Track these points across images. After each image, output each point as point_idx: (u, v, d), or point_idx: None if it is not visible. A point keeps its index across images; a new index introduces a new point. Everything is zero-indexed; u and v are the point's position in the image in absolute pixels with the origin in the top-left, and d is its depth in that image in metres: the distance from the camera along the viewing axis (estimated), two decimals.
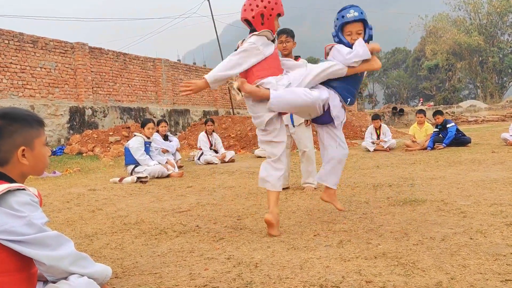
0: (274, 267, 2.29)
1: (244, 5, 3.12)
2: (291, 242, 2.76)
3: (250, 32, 3.14)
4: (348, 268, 2.21)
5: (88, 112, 13.85)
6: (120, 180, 6.55)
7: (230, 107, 21.35)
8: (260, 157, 9.78)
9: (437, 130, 9.31)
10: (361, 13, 3.19)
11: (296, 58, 4.95)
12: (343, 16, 3.21)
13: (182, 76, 18.75)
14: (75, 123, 13.36)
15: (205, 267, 2.36)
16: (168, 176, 7.00)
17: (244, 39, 3.16)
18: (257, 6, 3.05)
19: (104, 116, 14.44)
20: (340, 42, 3.24)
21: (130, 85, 15.85)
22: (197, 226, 3.38)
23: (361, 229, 2.99)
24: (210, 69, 17.03)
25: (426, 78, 45.89)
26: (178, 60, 34.55)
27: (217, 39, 21.92)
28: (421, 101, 39.17)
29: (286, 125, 5.00)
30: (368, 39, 3.23)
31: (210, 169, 7.92)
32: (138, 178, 6.58)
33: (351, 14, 3.18)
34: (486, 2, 37.25)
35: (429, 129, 9.56)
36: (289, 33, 4.81)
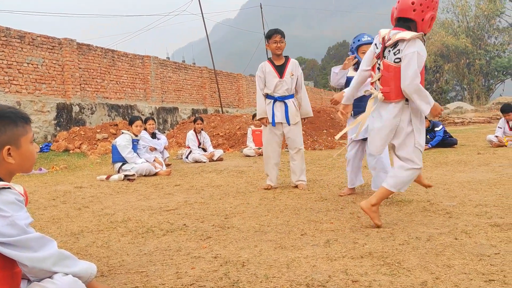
0: (261, 266, 2.29)
1: (412, 3, 2.85)
2: (278, 241, 2.77)
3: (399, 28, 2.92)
4: (335, 268, 2.22)
5: (76, 108, 13.72)
6: (107, 178, 6.50)
7: (219, 105, 21.31)
8: (249, 156, 9.78)
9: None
10: (373, 38, 3.66)
11: (287, 58, 5.04)
12: (359, 40, 4.18)
13: (171, 73, 18.66)
14: (62, 120, 13.22)
15: (191, 266, 2.35)
16: (155, 174, 6.96)
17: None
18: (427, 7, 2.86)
19: (92, 113, 14.31)
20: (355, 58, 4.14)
21: (118, 82, 15.73)
22: (185, 224, 3.37)
23: (348, 229, 3.00)
24: (199, 67, 16.96)
25: None
26: (167, 57, 34.41)
27: (207, 37, 21.87)
28: None
29: (280, 123, 5.03)
30: None
31: (198, 167, 7.90)
32: (125, 176, 6.54)
33: (365, 38, 4.17)
34: (474, 5, 37.68)
35: None
36: (283, 34, 4.95)
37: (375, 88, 3.06)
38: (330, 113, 20.31)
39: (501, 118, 9.30)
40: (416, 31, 2.87)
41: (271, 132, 5.05)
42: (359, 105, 3.95)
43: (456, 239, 2.63)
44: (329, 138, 14.17)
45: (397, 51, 2.86)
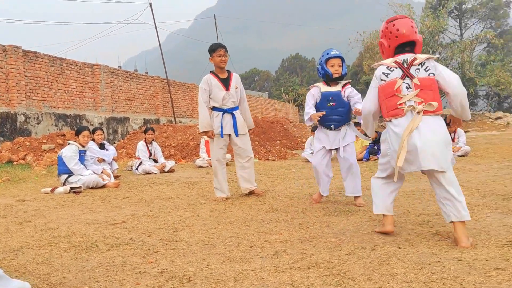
0: (208, 280, 2.26)
1: (412, 26, 3.09)
2: (226, 254, 2.74)
3: (406, 53, 3.07)
4: (282, 280, 2.22)
5: (21, 118, 13.13)
6: (52, 191, 6.24)
7: (172, 115, 21.07)
8: (201, 166, 9.70)
9: (373, 142, 9.68)
10: (340, 53, 4.42)
11: (229, 72, 5.22)
12: (327, 53, 4.42)
13: (122, 83, 18.27)
14: (5, 130, 12.60)
15: (136, 282, 2.28)
16: (103, 186, 6.75)
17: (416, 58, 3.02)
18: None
19: (38, 123, 13.74)
20: (323, 70, 4.39)
21: (66, 91, 15.21)
22: (131, 239, 3.28)
23: (297, 240, 3.02)
24: (151, 76, 16.67)
25: (363, 92, 47.63)
26: (119, 66, 33.72)
27: (160, 46, 21.63)
28: None
29: (228, 135, 5.05)
30: (344, 74, 4.43)
31: (148, 179, 7.74)
32: (71, 188, 6.30)
33: (334, 52, 4.42)
34: (419, 22, 39.40)
35: (365, 141, 9.92)
36: (226, 48, 5.11)
37: (407, 107, 2.95)
38: (284, 124, 20.56)
39: None
40: (415, 51, 3.12)
41: (218, 144, 5.08)
42: (331, 119, 4.36)
43: (399, 248, 2.70)
44: (282, 148, 14.31)
45: (427, 68, 2.99)
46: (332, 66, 4.34)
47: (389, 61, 3.08)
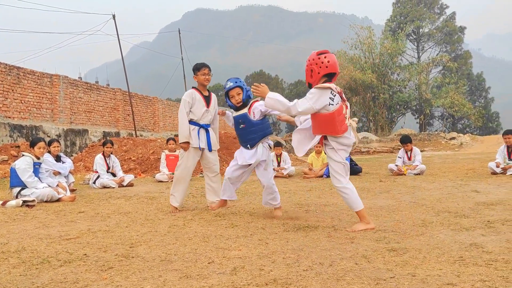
0: None
1: (336, 61, 3.86)
2: (184, 270, 2.70)
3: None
4: None
5: None
6: (3, 204, 5.97)
7: (133, 129, 20.72)
8: (161, 181, 9.56)
9: None
10: (236, 82, 4.78)
11: (209, 91, 5.55)
12: (225, 88, 4.83)
13: (82, 94, 17.87)
14: None
15: None
16: (58, 200, 6.52)
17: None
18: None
19: None
20: (228, 102, 4.84)
21: (23, 101, 14.72)
22: (85, 254, 3.17)
23: (256, 256, 3.01)
24: (112, 89, 16.41)
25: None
26: (79, 77, 32.97)
27: (122, 58, 21.35)
28: None
29: (202, 149, 5.31)
30: (247, 97, 4.80)
31: (106, 193, 7.54)
32: (24, 201, 6.06)
33: (228, 84, 4.80)
34: (379, 44, 40.70)
35: (326, 158, 10.06)
36: (210, 68, 5.43)
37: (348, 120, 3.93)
38: None
39: (401, 148, 10.03)
40: (332, 81, 3.91)
41: (193, 157, 5.30)
42: (246, 139, 4.78)
43: (356, 264, 2.74)
44: None
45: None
46: (232, 97, 4.79)
47: (334, 86, 3.79)
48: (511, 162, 8.48)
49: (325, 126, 3.86)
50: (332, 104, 3.76)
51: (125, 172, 10.40)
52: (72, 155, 15.32)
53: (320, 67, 3.78)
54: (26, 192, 6.39)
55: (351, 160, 9.84)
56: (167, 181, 9.45)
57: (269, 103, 3.96)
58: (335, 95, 3.78)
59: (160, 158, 10.87)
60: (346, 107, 3.90)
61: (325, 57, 3.78)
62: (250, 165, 4.84)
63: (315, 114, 3.85)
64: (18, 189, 6.46)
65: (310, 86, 3.86)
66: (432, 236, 3.47)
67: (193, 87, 5.42)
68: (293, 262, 2.82)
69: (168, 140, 10.58)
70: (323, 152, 10.32)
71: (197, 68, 5.32)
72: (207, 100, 5.36)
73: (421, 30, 50.18)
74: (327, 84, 3.75)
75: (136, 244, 3.50)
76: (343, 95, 3.90)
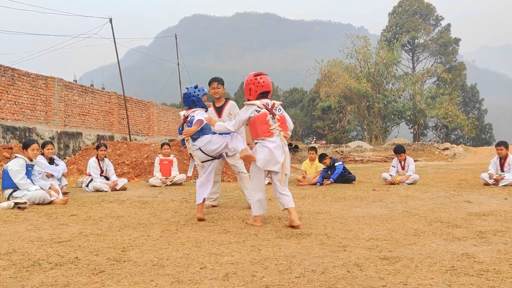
0: None
1: (270, 81, 4.68)
2: (176, 276, 2.69)
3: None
4: None
5: None
6: None
7: (127, 132, 20.67)
8: (155, 185, 9.53)
9: (326, 168, 9.85)
10: (201, 89, 5.21)
11: (226, 100, 5.97)
12: (203, 90, 5.24)
13: (76, 97, 17.83)
14: None
15: None
16: (50, 202, 6.48)
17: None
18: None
19: None
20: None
21: (17, 103, 14.66)
22: (76, 257, 3.16)
23: (248, 262, 3.01)
24: (107, 92, 16.39)
25: (319, 118, 48.60)
26: (74, 80, 32.85)
27: (118, 62, 21.33)
28: (314, 139, 41.44)
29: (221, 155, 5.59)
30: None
31: (98, 197, 7.51)
32: (16, 203, 6.01)
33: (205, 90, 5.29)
34: (374, 53, 40.95)
35: (320, 165, 10.08)
36: (220, 81, 5.83)
37: (273, 132, 4.54)
38: None
39: (394, 158, 10.07)
40: (268, 97, 4.66)
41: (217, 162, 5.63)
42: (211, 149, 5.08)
43: (348, 271, 2.74)
44: None
45: (279, 109, 4.69)
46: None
47: (258, 103, 4.53)
48: (504, 173, 8.53)
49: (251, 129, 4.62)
50: (258, 112, 4.54)
51: (119, 176, 10.35)
52: (65, 158, 15.25)
53: (257, 86, 4.56)
54: (18, 194, 6.34)
55: (344, 169, 9.86)
56: (160, 186, 9.41)
57: (217, 129, 4.80)
58: (261, 109, 4.53)
59: (154, 162, 10.83)
60: (277, 119, 4.58)
61: (261, 78, 4.57)
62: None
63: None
64: (10, 191, 6.41)
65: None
66: (424, 246, 3.49)
67: (212, 101, 6.04)
68: (285, 269, 2.82)
69: (162, 145, 10.56)
70: (316, 159, 10.35)
71: (208, 83, 5.84)
72: (219, 110, 5.89)
73: (416, 41, 50.62)
74: (251, 102, 4.57)
75: (128, 248, 3.49)
76: (277, 109, 4.62)
